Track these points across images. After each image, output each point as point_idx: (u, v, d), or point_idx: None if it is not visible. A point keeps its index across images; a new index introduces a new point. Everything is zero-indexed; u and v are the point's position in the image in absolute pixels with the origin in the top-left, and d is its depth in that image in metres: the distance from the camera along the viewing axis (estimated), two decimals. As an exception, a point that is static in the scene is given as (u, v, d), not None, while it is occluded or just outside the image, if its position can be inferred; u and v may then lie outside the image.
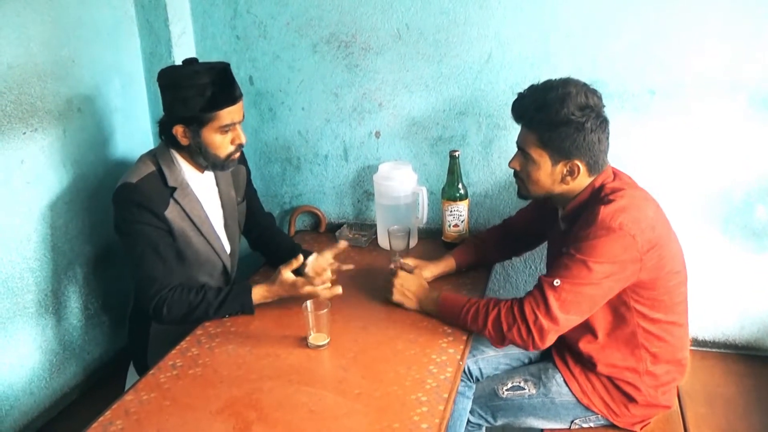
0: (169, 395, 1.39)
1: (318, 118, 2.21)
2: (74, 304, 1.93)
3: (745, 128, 1.81)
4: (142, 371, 1.74)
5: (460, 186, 1.97)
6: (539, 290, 1.45)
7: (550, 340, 1.46)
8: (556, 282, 1.42)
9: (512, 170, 1.60)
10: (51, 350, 1.86)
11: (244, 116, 1.70)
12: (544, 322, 1.43)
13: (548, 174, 1.51)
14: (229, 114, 1.64)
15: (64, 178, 1.86)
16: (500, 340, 1.50)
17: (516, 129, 1.98)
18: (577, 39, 1.87)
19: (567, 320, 1.44)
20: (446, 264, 1.86)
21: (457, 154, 1.95)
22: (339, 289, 1.65)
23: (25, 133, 1.72)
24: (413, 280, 1.70)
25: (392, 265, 1.81)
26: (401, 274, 1.71)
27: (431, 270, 1.82)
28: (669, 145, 1.88)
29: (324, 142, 2.24)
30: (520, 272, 2.17)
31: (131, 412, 1.34)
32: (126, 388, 1.50)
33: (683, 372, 1.62)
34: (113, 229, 1.70)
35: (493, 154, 2.06)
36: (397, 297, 1.68)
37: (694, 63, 1.79)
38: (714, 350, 2.01)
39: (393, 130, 2.15)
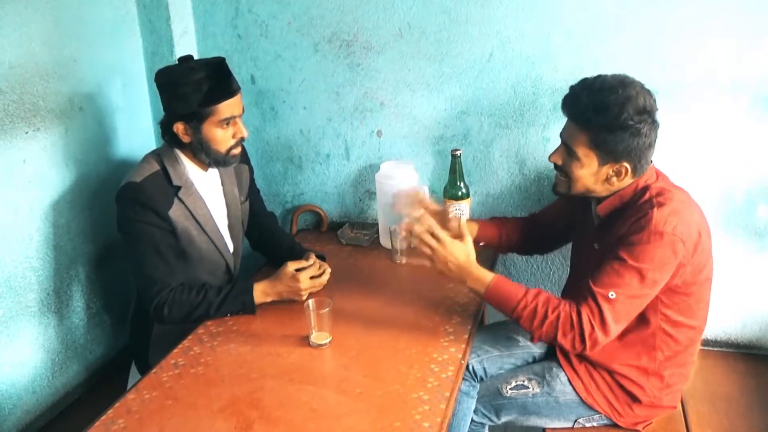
0: (171, 394, 1.39)
1: (320, 117, 2.21)
2: (76, 302, 1.94)
3: (747, 128, 1.80)
4: (144, 370, 1.74)
5: (461, 185, 1.97)
6: (594, 301, 1.40)
7: (599, 349, 1.44)
8: (611, 294, 1.38)
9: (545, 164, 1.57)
10: (53, 349, 1.86)
11: (244, 110, 1.70)
12: (599, 334, 1.40)
13: (592, 173, 1.48)
14: (227, 107, 1.64)
15: (66, 177, 1.86)
16: (549, 341, 1.47)
17: (516, 129, 2.01)
18: (578, 38, 1.86)
19: (617, 330, 1.43)
20: (469, 228, 1.73)
21: (458, 153, 1.95)
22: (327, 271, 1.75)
23: (27, 133, 1.72)
24: (462, 250, 1.50)
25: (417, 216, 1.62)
26: (448, 240, 1.50)
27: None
28: (670, 144, 1.87)
29: (326, 141, 2.24)
30: (521, 271, 2.17)
31: (133, 411, 1.34)
32: (128, 386, 1.50)
33: (688, 376, 1.62)
34: (115, 227, 1.70)
35: (495, 153, 2.06)
36: (439, 266, 1.51)
37: (695, 62, 1.79)
38: (716, 349, 2.00)
39: (394, 129, 2.15)
